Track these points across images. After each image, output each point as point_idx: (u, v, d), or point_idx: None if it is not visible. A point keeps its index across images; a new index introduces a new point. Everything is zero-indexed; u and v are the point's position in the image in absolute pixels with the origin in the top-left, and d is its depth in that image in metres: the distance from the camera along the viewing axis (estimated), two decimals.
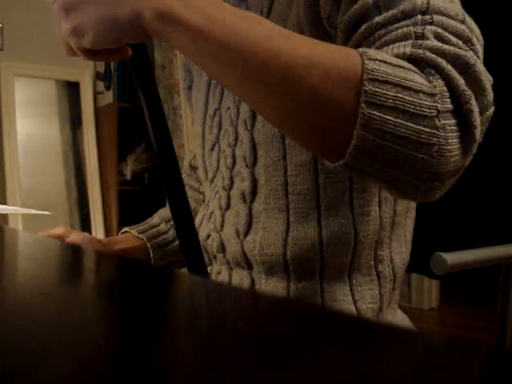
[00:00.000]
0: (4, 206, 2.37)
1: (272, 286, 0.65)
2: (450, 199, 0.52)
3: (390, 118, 0.43)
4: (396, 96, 0.43)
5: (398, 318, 0.70)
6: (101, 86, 3.32)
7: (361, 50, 0.46)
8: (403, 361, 0.17)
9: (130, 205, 3.27)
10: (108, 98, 3.24)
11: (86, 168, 3.29)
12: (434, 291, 3.01)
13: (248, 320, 0.22)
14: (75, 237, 0.80)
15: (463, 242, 0.81)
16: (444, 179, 0.47)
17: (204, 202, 0.93)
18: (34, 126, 3.24)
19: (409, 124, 0.44)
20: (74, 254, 0.41)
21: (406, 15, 0.50)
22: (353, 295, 0.64)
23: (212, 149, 0.74)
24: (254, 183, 0.67)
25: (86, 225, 3.32)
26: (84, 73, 3.30)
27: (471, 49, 0.48)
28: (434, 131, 0.44)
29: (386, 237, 0.66)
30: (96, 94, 3.35)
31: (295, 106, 0.46)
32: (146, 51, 0.55)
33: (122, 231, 0.90)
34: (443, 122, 0.44)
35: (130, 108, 3.23)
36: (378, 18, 0.51)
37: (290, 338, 0.19)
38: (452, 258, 0.66)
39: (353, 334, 0.20)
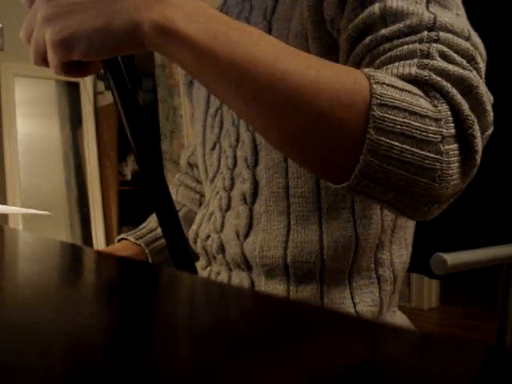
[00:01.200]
0: (4, 206, 2.37)
1: (272, 288, 0.65)
2: None
3: (396, 143, 0.43)
4: (404, 122, 0.43)
5: (397, 319, 0.70)
6: (101, 86, 3.32)
7: (367, 71, 0.46)
8: (403, 361, 0.17)
9: (130, 205, 3.27)
10: (108, 98, 3.24)
11: (86, 168, 3.30)
12: (434, 291, 3.01)
13: (247, 319, 0.22)
14: None
15: (463, 243, 0.81)
16: (443, 201, 0.48)
17: (200, 202, 0.92)
18: (34, 126, 3.24)
19: (414, 150, 0.44)
20: (74, 254, 0.41)
21: (413, 30, 0.49)
22: (353, 298, 0.64)
23: (213, 148, 0.74)
24: (255, 185, 0.66)
25: (85, 225, 3.32)
26: None
27: (474, 68, 0.48)
28: (438, 156, 0.44)
29: (386, 240, 0.66)
30: (96, 94, 3.36)
31: (302, 130, 0.45)
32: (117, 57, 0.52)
33: (118, 238, 0.89)
34: (447, 147, 0.45)
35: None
36: (384, 31, 0.50)
37: (289, 337, 0.19)
38: (452, 258, 0.66)
39: (352, 334, 0.20)
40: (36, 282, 0.29)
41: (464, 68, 0.47)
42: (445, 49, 0.48)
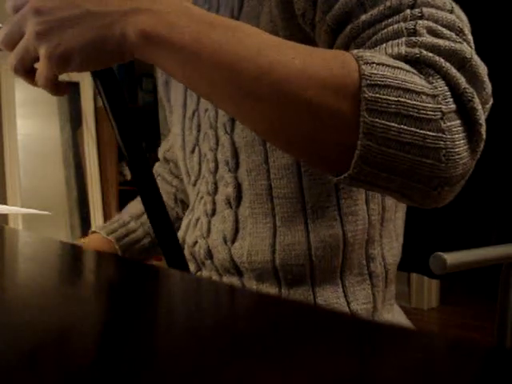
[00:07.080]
0: (4, 206, 2.37)
1: (263, 292, 0.65)
2: None
3: (393, 124, 0.42)
4: (398, 100, 0.41)
5: (394, 314, 0.70)
6: None
7: (355, 52, 0.44)
8: (402, 361, 0.17)
9: None
10: None
11: (86, 168, 3.29)
12: (433, 291, 3.01)
13: (244, 319, 0.22)
14: None
15: (463, 242, 0.81)
16: (454, 183, 0.46)
17: (175, 196, 0.92)
18: (34, 126, 3.24)
19: (413, 129, 0.42)
20: (73, 254, 0.41)
21: (394, 11, 0.47)
22: (346, 297, 0.63)
23: (192, 151, 0.72)
24: (238, 188, 0.65)
25: (85, 225, 3.32)
26: (84, 73, 3.30)
27: (464, 40, 0.46)
28: (440, 134, 0.42)
29: (376, 234, 0.64)
30: (96, 94, 3.35)
31: (291, 122, 0.44)
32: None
33: (90, 231, 0.89)
34: (448, 123, 0.43)
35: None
36: (364, 17, 0.48)
37: (287, 337, 0.19)
38: (452, 257, 0.66)
39: (350, 334, 0.20)
40: (36, 282, 0.29)
41: (454, 41, 0.45)
42: (431, 24, 0.46)
